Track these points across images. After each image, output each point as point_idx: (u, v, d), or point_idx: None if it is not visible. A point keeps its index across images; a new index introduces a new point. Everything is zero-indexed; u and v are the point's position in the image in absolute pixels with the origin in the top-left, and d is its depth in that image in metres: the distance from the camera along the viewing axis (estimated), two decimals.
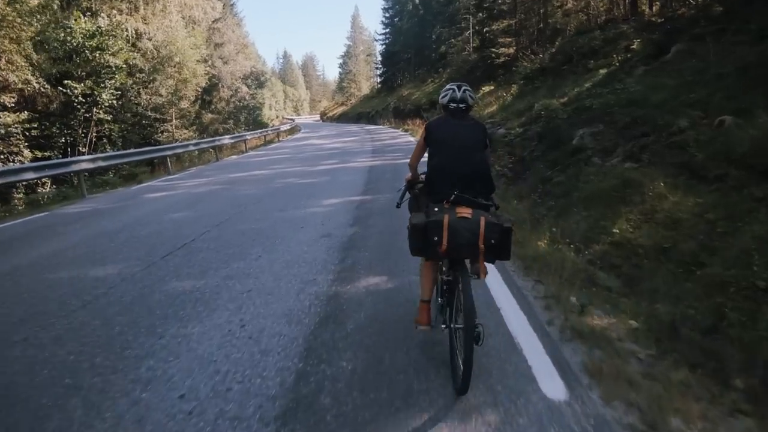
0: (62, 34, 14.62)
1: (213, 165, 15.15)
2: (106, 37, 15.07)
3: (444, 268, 2.90)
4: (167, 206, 8.01)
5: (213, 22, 29.59)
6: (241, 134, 21.04)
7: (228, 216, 6.76)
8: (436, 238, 2.48)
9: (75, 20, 14.60)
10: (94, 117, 15.24)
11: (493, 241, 2.47)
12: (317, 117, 75.47)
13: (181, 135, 22.60)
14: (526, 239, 4.95)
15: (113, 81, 15.39)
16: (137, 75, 21.29)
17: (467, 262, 2.65)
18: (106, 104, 15.21)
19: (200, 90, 27.85)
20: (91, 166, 10.78)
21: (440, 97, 2.96)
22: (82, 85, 14.58)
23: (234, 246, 5.17)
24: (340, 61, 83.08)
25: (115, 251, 5.27)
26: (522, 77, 18.95)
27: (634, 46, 13.11)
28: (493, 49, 25.40)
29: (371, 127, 35.04)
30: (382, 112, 41.32)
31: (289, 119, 53.44)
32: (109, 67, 15.18)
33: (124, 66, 15.72)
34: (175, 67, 20.68)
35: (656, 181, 5.64)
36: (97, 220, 7.43)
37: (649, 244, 4.64)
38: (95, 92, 14.88)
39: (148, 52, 21.02)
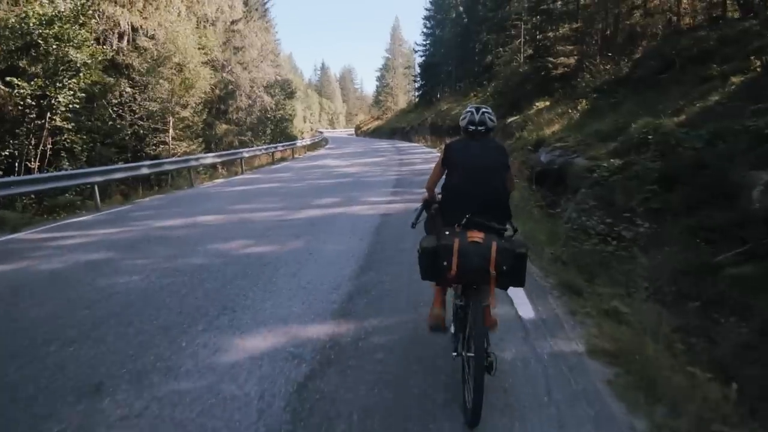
0: (12, 20, 11.64)
1: (172, 197, 11.33)
2: (69, 25, 11.98)
3: (457, 293, 2.78)
4: None
5: (231, 23, 26.75)
6: (234, 152, 17.39)
7: None
8: (445, 263, 2.42)
9: (27, 1, 11.61)
10: (47, 125, 12.11)
11: (505, 267, 2.39)
12: (352, 131, 72.63)
13: (180, 148, 19.50)
14: None
15: (75, 80, 12.25)
16: (135, 77, 18.50)
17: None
18: (63, 108, 12.05)
19: (210, 97, 24.93)
20: None
21: (460, 119, 2.94)
22: (30, 84, 11.48)
23: None
24: (378, 74, 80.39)
25: None
26: (593, 90, 14.92)
27: None
28: (550, 59, 21.41)
29: (404, 144, 31.40)
30: (418, 128, 37.69)
31: (319, 132, 50.46)
32: (71, 62, 12.06)
33: (90, 61, 12.53)
34: (173, 68, 17.62)
35: None
36: None
37: None
38: (49, 93, 11.75)
39: (146, 51, 18.13)
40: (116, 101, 18.49)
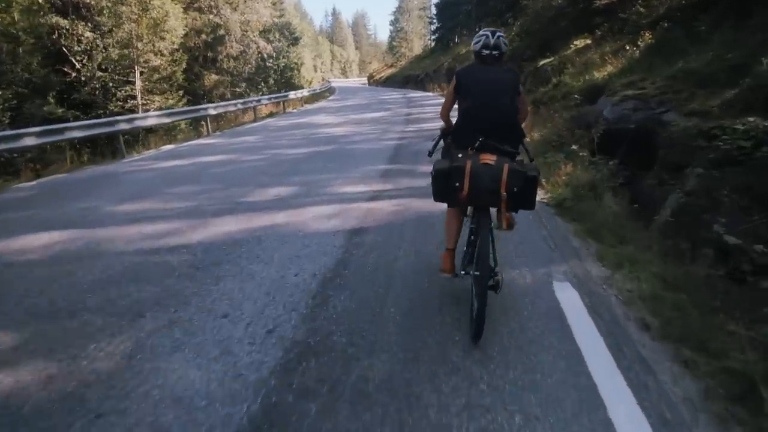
0: None
1: (63, 180, 7.85)
2: None
3: (471, 216, 2.88)
4: None
5: None
6: (192, 108, 13.89)
7: None
8: (457, 184, 2.48)
9: None
10: None
11: (515, 189, 2.42)
12: (365, 80, 68.36)
13: (153, 103, 16.70)
14: None
15: None
16: (98, 20, 15.56)
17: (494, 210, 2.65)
18: None
19: (195, 43, 21.85)
20: None
21: (473, 43, 2.88)
22: None
23: None
24: (392, 17, 74.92)
25: None
26: (659, 19, 11.51)
27: None
28: None
29: (416, 94, 27.92)
30: (433, 75, 33.99)
31: (327, 82, 46.78)
32: None
33: None
34: (132, 5, 14.53)
35: None
36: None
37: None
38: None
39: None
40: (79, 49, 15.78)
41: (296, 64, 40.94)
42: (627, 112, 6.43)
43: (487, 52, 2.77)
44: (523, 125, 2.92)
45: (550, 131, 8.50)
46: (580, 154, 5.37)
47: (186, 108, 13.63)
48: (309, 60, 69.35)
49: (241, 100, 16.33)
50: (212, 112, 13.42)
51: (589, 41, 16.29)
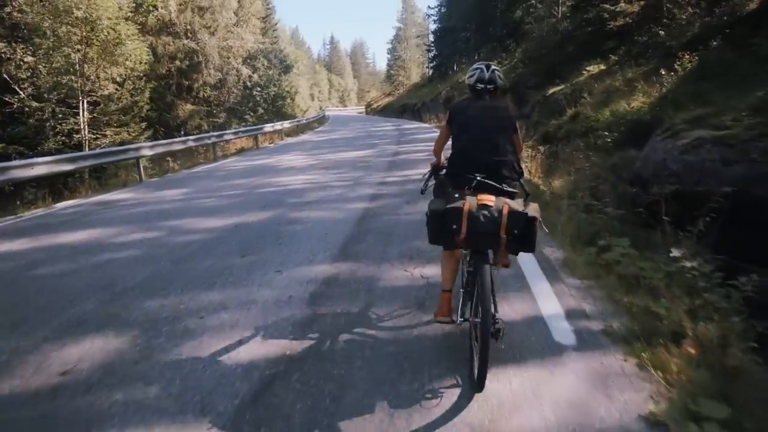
0: None
1: None
2: None
3: (467, 258, 2.71)
4: None
5: None
6: (105, 150, 10.63)
7: None
8: (454, 226, 2.32)
9: None
10: None
11: (516, 231, 2.28)
12: (363, 109, 66.98)
13: (105, 138, 14.54)
14: None
15: None
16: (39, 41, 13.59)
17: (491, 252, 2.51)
18: None
19: (168, 69, 19.95)
20: None
21: (467, 77, 2.79)
22: None
23: None
24: (389, 46, 74.13)
25: None
26: (697, 37, 9.43)
27: None
28: (606, 5, 15.72)
29: (411, 125, 25.86)
30: (430, 104, 32.13)
31: (321, 110, 45.12)
32: None
33: None
34: (73, 24, 12.52)
35: None
36: None
37: None
38: None
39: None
40: (23, 76, 13.81)
41: (288, 92, 39.24)
42: (710, 164, 4.15)
43: (482, 86, 2.69)
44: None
45: (578, 180, 6.23)
46: (685, 265, 2.84)
47: (106, 149, 10.18)
48: (306, 89, 68.14)
49: (193, 137, 13.84)
50: (148, 152, 10.57)
51: (603, 66, 14.35)
